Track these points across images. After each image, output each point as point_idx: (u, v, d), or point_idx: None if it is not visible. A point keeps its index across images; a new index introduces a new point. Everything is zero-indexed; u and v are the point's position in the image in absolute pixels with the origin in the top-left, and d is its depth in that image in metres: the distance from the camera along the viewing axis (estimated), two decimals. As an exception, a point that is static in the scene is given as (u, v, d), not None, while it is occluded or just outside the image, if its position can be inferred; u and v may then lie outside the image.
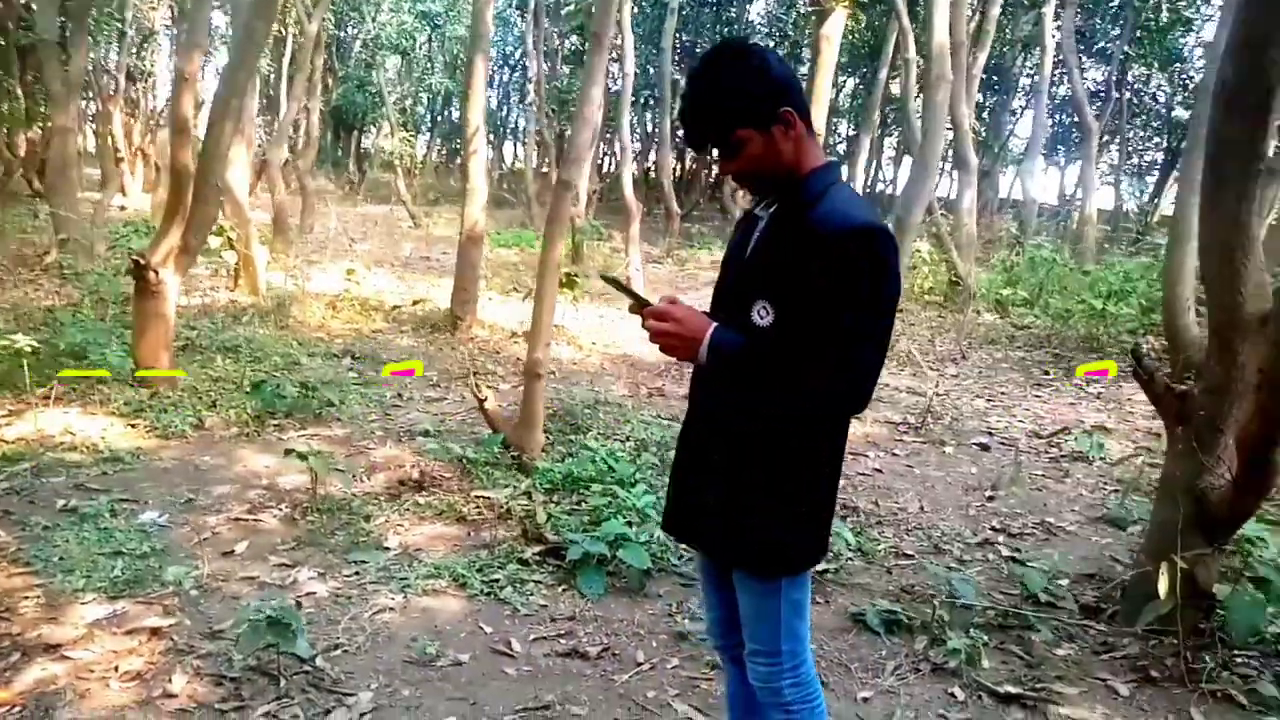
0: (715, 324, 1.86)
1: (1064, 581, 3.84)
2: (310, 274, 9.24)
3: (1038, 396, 7.14)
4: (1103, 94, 17.24)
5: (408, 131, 21.77)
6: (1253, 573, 3.26)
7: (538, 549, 3.84)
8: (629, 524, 3.92)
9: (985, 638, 3.26)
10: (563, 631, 3.29)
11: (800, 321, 1.76)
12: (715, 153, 1.90)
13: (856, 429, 5.96)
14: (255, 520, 4.06)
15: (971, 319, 9.77)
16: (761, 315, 1.83)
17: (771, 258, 1.84)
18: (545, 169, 19.60)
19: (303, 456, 4.18)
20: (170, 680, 2.82)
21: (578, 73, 21.89)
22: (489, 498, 4.38)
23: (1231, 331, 3.42)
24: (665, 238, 15.57)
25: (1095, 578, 3.92)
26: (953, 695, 3.01)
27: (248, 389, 5.66)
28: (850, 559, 3.96)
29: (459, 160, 31.22)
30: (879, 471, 5.21)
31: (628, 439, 5.36)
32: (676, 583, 3.72)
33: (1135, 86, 18.75)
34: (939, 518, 4.56)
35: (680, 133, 2.67)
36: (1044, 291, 10.71)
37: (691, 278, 13.12)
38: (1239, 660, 3.20)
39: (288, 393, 5.45)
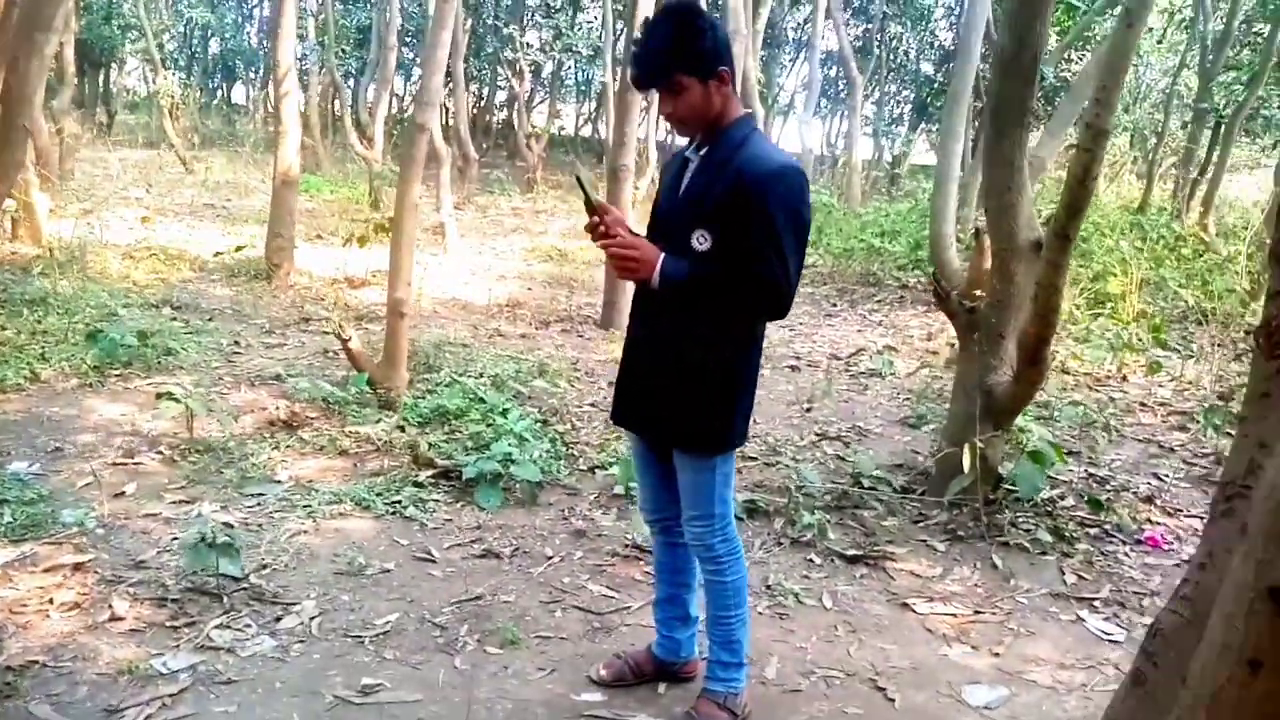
0: (664, 253, 2.28)
1: (878, 471, 4.57)
2: (100, 222, 8.72)
3: (830, 325, 8.04)
4: (863, 50, 18.87)
5: (166, 68, 20.21)
6: (1030, 448, 4.07)
7: (430, 473, 4.13)
8: (512, 446, 4.27)
9: (828, 516, 3.91)
10: (473, 539, 3.64)
11: (734, 246, 2.22)
12: (656, 94, 2.28)
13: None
14: (135, 464, 4.09)
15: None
16: (700, 241, 2.26)
17: (708, 193, 2.26)
18: (338, 112, 18.91)
19: (176, 400, 4.23)
20: (111, 606, 2.94)
21: (364, 7, 21.11)
22: (364, 433, 4.59)
23: (1009, 256, 4.20)
24: (464, 184, 15.57)
25: (903, 466, 4.70)
26: (811, 560, 3.64)
27: (75, 340, 5.48)
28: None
29: (216, 100, 29.38)
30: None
31: (481, 375, 5.65)
32: (563, 493, 4.14)
33: (890, 44, 20.50)
34: (770, 428, 5.21)
35: (629, 73, 3.01)
36: (823, 234, 11.78)
37: (496, 224, 13.29)
38: (1020, 518, 4.02)
39: (129, 342, 5.33)
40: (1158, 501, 4.42)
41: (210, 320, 6.59)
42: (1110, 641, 3.21)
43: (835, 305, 8.89)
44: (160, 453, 4.21)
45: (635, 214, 7.79)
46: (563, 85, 26.90)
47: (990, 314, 4.26)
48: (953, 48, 20.43)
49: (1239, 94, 13.13)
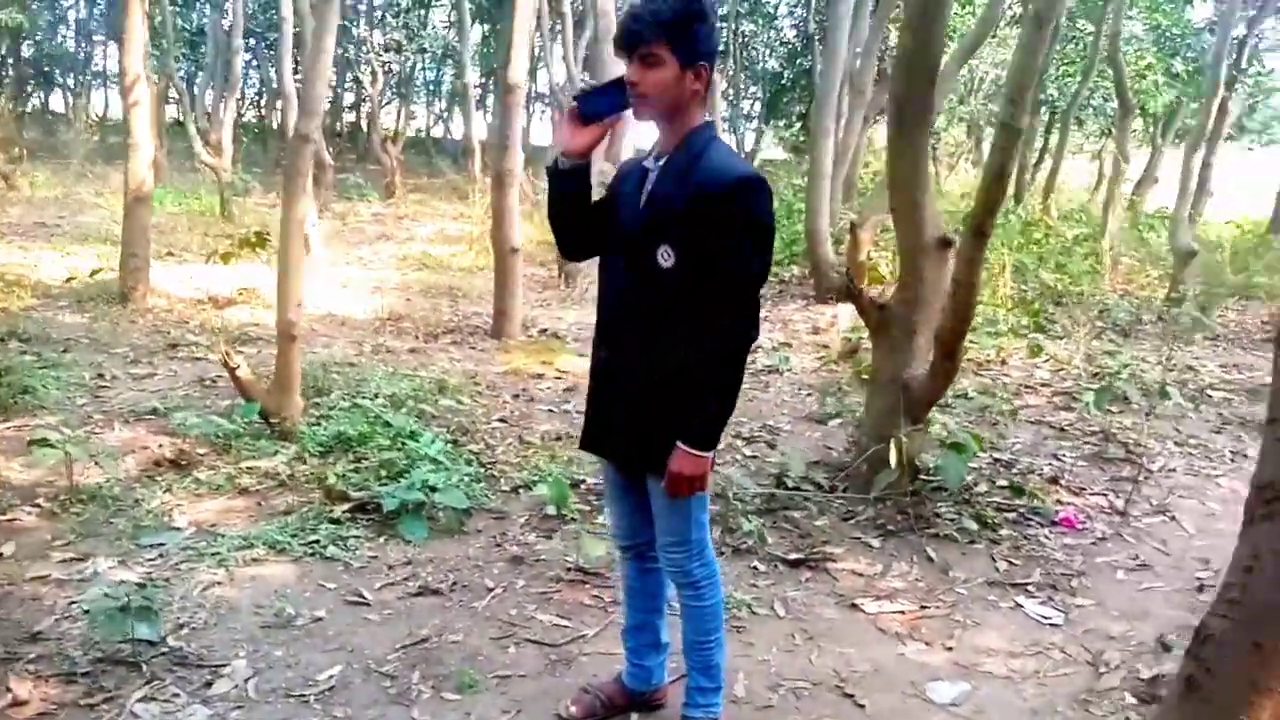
0: (680, 443, 2.16)
1: (798, 470, 4.60)
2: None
3: (720, 323, 8.08)
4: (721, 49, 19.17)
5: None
6: (950, 440, 4.17)
7: (345, 507, 3.88)
8: (430, 472, 4.07)
9: (762, 520, 3.90)
10: (406, 575, 3.43)
11: (700, 263, 2.12)
12: (631, 62, 2.12)
13: (577, 369, 6.43)
14: (10, 521, 3.68)
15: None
16: (665, 258, 2.16)
17: (671, 207, 2.16)
18: (181, 120, 17.76)
19: (51, 445, 3.83)
20: (10, 689, 2.62)
21: (197, 9, 19.89)
22: (263, 468, 4.29)
23: (917, 253, 4.28)
24: (321, 191, 14.93)
25: (820, 463, 4.74)
26: (755, 568, 3.61)
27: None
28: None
29: (31, 109, 27.03)
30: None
31: (377, 395, 5.38)
32: (490, 518, 3.97)
33: (741, 40, 20.92)
34: (685, 433, 5.16)
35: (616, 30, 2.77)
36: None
37: (358, 232, 12.80)
38: (943, 509, 4.12)
39: (-21, 382, 4.82)
40: (1062, 482, 4.62)
41: (66, 352, 6.04)
42: (1050, 625, 3.31)
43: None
44: (38, 505, 3.81)
45: (523, 220, 7.62)
46: (412, 86, 26.23)
47: (901, 310, 4.33)
48: (799, 45, 21.02)
49: (1071, 85, 14.00)
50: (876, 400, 4.37)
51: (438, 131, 29.23)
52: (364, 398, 5.33)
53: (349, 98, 24.80)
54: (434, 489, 3.91)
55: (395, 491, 3.83)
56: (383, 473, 4.17)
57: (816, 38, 17.92)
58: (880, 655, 3.08)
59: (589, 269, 9.69)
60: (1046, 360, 6.88)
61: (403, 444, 4.43)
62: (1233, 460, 5.10)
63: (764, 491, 4.23)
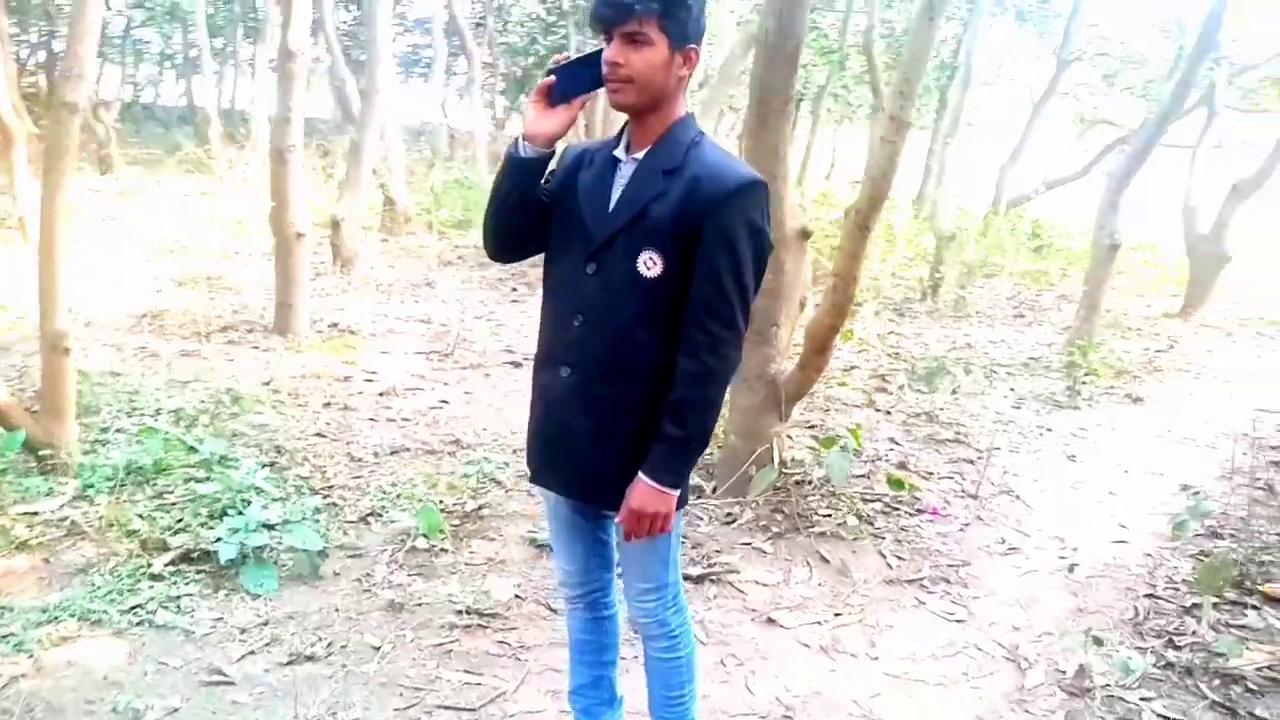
0: (644, 476, 1.87)
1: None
2: None
3: (524, 314, 7.70)
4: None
5: None
6: (828, 436, 4.11)
7: (167, 558, 3.22)
8: (266, 506, 3.47)
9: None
10: (265, 640, 2.87)
11: (691, 273, 1.84)
12: (612, 38, 1.79)
13: (400, 366, 5.88)
14: None
15: (417, 244, 10.01)
16: (649, 266, 1.85)
17: (658, 210, 1.84)
18: None
19: None
20: None
21: None
22: (40, 513, 3.49)
23: (777, 245, 4.16)
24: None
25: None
26: (659, 590, 3.35)
27: None
28: (488, 490, 4.03)
29: None
30: (445, 403, 5.26)
31: (159, 412, 4.59)
32: (345, 555, 3.44)
33: (499, 13, 20.26)
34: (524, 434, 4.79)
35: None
36: (467, 211, 11.34)
37: (74, 212, 11.11)
38: (816, 505, 4.06)
39: None
40: (910, 467, 4.72)
41: None
42: (956, 621, 3.32)
43: (515, 290, 8.57)
44: None
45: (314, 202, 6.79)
46: (134, 47, 23.27)
47: (762, 304, 4.19)
48: (552, 19, 20.67)
49: (821, 76, 14.68)
50: (743, 397, 4.23)
51: (167, 99, 26.25)
52: (143, 415, 4.53)
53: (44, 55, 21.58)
54: (270, 527, 3.33)
55: (228, 535, 3.21)
56: (201, 511, 3.51)
57: (572, 14, 17.70)
58: (814, 676, 2.94)
59: (367, 252, 8.97)
60: (846, 341, 7.08)
61: (214, 473, 3.77)
62: (1039, 435, 5.46)
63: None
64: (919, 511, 4.16)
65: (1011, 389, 6.34)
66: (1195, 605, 3.40)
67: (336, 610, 3.08)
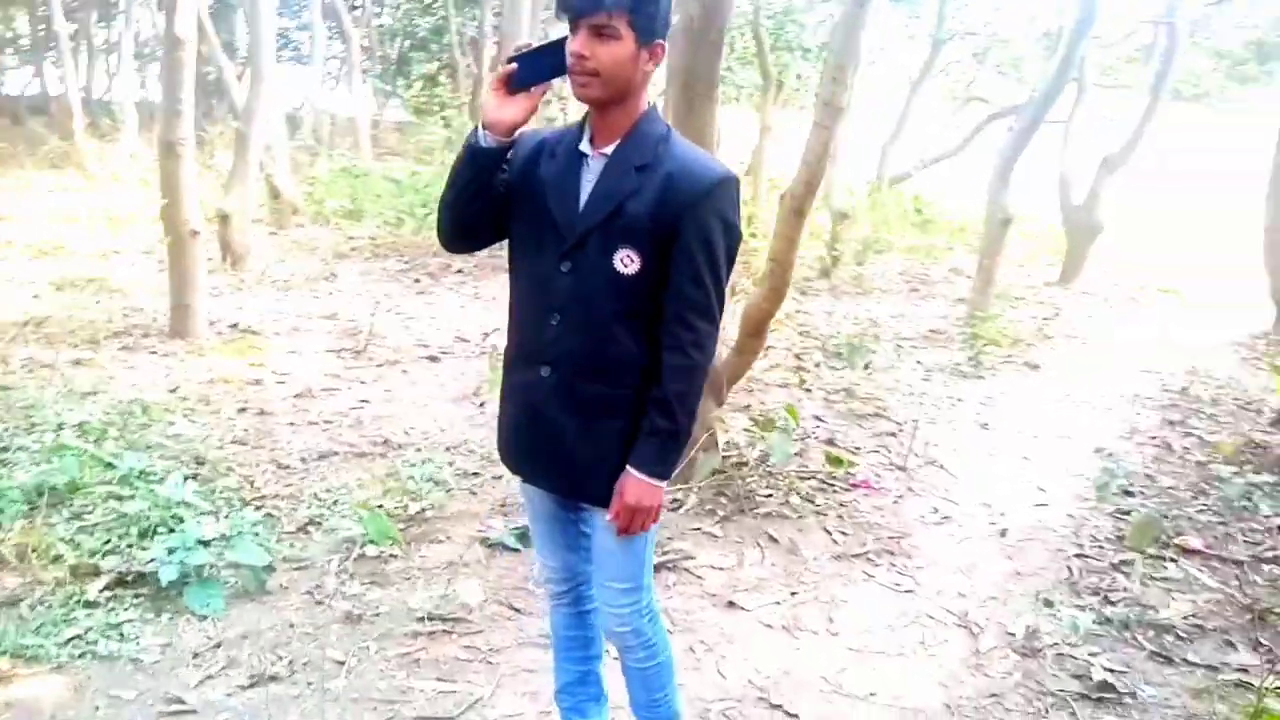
0: (634, 470, 1.89)
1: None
2: None
3: (429, 305, 7.52)
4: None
5: None
6: (766, 417, 4.18)
7: (100, 584, 3.03)
8: (200, 520, 3.31)
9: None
10: (222, 663, 2.75)
11: (668, 269, 1.85)
12: (577, 31, 1.76)
13: (311, 365, 5.67)
14: None
15: (308, 236, 9.68)
16: (626, 263, 1.85)
17: (634, 207, 1.83)
18: None
19: None
20: None
21: None
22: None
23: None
24: None
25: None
26: (618, 581, 3.35)
27: None
28: (429, 492, 3.94)
29: None
30: (366, 402, 5.11)
31: (61, 426, 4.31)
32: (290, 568, 3.31)
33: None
34: (459, 433, 4.72)
35: None
36: (357, 200, 11.00)
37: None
38: (755, 486, 4.13)
39: None
40: (838, 443, 4.84)
41: None
42: (906, 592, 3.44)
43: (419, 281, 8.36)
44: None
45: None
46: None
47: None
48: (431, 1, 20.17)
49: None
50: (681, 383, 4.24)
51: (11, 88, 24.42)
52: (44, 431, 4.25)
53: None
54: (206, 543, 3.18)
55: (167, 555, 3.05)
56: (130, 531, 3.32)
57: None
58: (780, 655, 2.99)
59: (257, 247, 8.61)
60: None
61: (137, 489, 3.58)
62: (952, 406, 5.67)
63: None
64: (854, 486, 4.27)
65: (919, 362, 6.56)
66: (1123, 562, 3.61)
67: (291, 626, 2.97)
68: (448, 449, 4.47)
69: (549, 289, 1.90)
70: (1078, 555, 3.72)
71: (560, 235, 1.88)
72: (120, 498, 3.53)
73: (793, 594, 3.37)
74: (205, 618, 2.96)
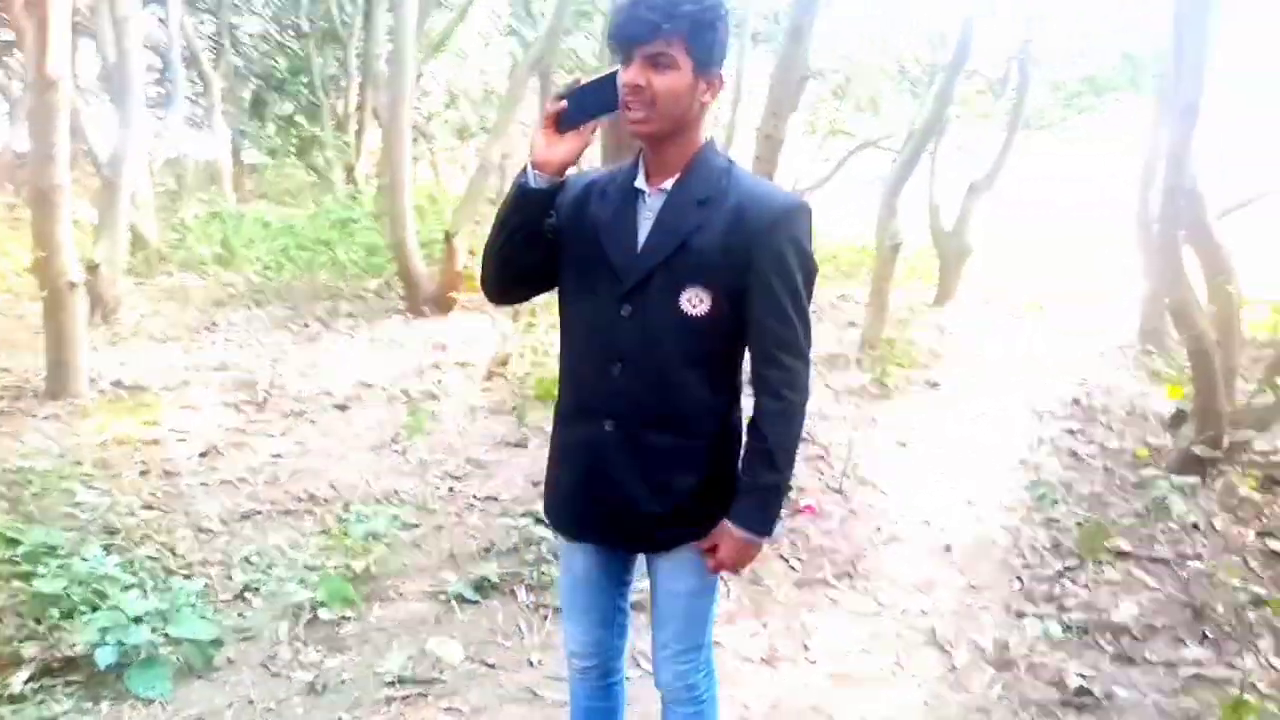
0: (735, 524, 1.81)
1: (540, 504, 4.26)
2: None
3: (326, 350, 7.20)
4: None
5: None
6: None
7: (24, 675, 2.73)
8: (137, 597, 3.03)
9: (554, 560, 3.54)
10: (181, 753, 2.51)
11: (744, 307, 1.76)
12: (631, 61, 1.68)
13: (210, 421, 5.33)
14: None
15: (177, 284, 9.17)
16: (694, 303, 1.75)
17: (699, 240, 1.75)
18: None
19: None
20: None
21: None
22: None
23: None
24: None
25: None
26: (589, 626, 3.25)
27: None
28: (372, 548, 3.73)
29: None
30: (279, 457, 4.82)
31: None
32: (239, 640, 3.07)
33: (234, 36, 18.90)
34: (387, 483, 4.51)
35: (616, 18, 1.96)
36: (228, 245, 10.52)
37: None
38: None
39: None
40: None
41: None
42: (872, 615, 3.46)
43: (308, 326, 8.01)
44: None
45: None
46: None
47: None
48: (289, 40, 19.60)
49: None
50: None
51: None
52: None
53: None
54: (138, 619, 2.91)
55: (101, 636, 2.77)
56: (51, 611, 3.00)
57: (313, 36, 16.89)
58: (765, 688, 2.96)
59: (130, 297, 8.09)
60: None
61: (48, 566, 3.25)
62: (869, 426, 5.80)
63: (544, 536, 3.82)
64: (798, 512, 4.30)
65: (827, 385, 6.71)
66: (1067, 569, 3.75)
67: (251, 702, 2.74)
68: (379, 501, 4.26)
69: (609, 336, 1.80)
70: (1024, 566, 3.84)
71: (618, 277, 1.78)
72: (29, 576, 3.19)
73: (764, 625, 3.34)
74: (152, 701, 2.70)
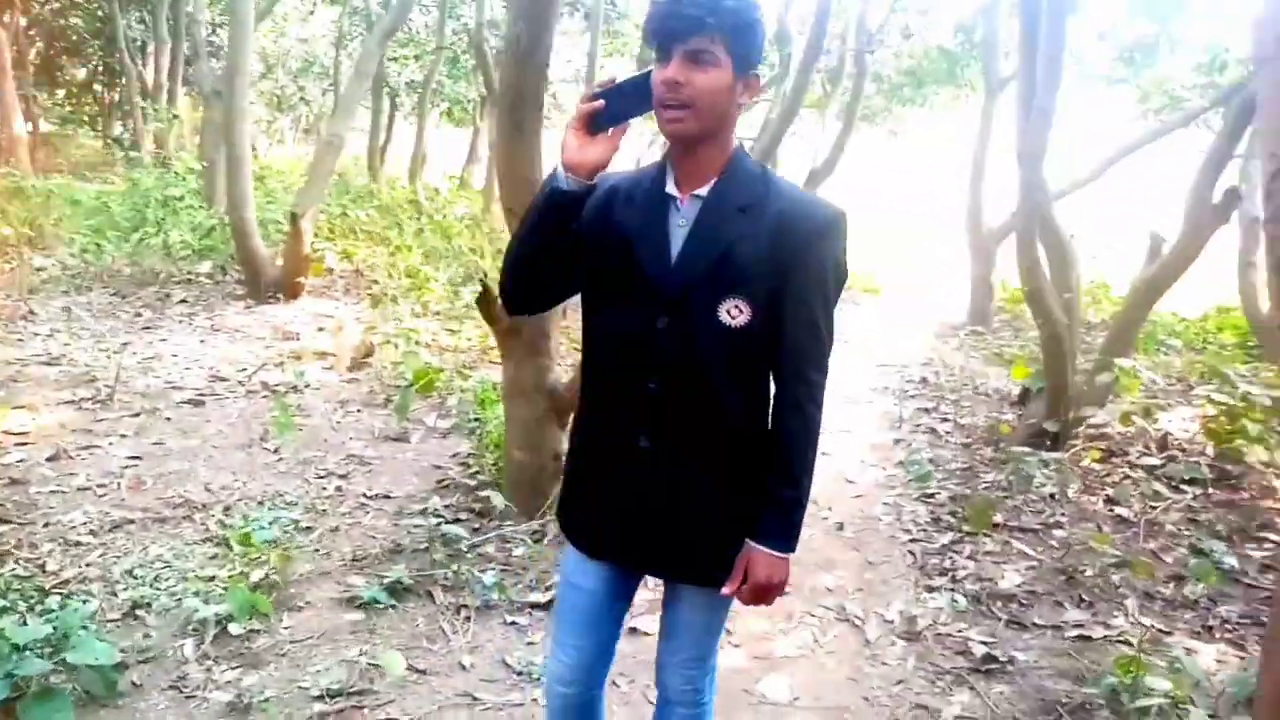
0: (762, 546, 1.76)
1: (438, 500, 4.16)
2: None
3: (162, 341, 6.70)
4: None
5: None
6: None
7: (-105, 718, 2.42)
8: (25, 621, 2.75)
9: (475, 569, 3.47)
10: (100, 790, 2.30)
11: (784, 319, 1.72)
12: (670, 58, 1.62)
13: (47, 421, 4.86)
14: None
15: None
16: (734, 314, 1.70)
17: (747, 252, 1.70)
18: None
19: None
20: None
21: None
22: None
23: (539, 253, 4.14)
24: None
25: (449, 486, 4.34)
26: (515, 624, 3.21)
27: None
28: (266, 556, 3.52)
29: None
30: (138, 459, 4.46)
31: None
32: (139, 660, 2.83)
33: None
34: (265, 484, 4.27)
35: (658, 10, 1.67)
36: (34, 225, 9.59)
37: None
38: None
39: None
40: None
41: None
42: (783, 596, 3.57)
43: (140, 315, 7.41)
44: None
45: None
46: None
47: (530, 316, 4.15)
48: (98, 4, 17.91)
49: (412, 68, 14.46)
50: (522, 410, 4.12)
51: None
52: None
53: None
54: (21, 648, 2.65)
55: (-14, 670, 2.50)
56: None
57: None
58: (697, 674, 3.01)
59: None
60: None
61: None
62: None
63: (455, 535, 3.71)
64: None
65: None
66: (952, 542, 4.00)
67: (169, 732, 2.54)
68: (261, 504, 4.03)
69: (643, 349, 1.74)
70: (911, 540, 4.07)
71: (652, 289, 1.72)
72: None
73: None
74: (53, 738, 2.46)
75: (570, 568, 1.98)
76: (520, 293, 1.82)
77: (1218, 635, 3.34)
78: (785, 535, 1.78)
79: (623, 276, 1.75)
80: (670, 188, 1.75)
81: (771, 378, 1.80)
